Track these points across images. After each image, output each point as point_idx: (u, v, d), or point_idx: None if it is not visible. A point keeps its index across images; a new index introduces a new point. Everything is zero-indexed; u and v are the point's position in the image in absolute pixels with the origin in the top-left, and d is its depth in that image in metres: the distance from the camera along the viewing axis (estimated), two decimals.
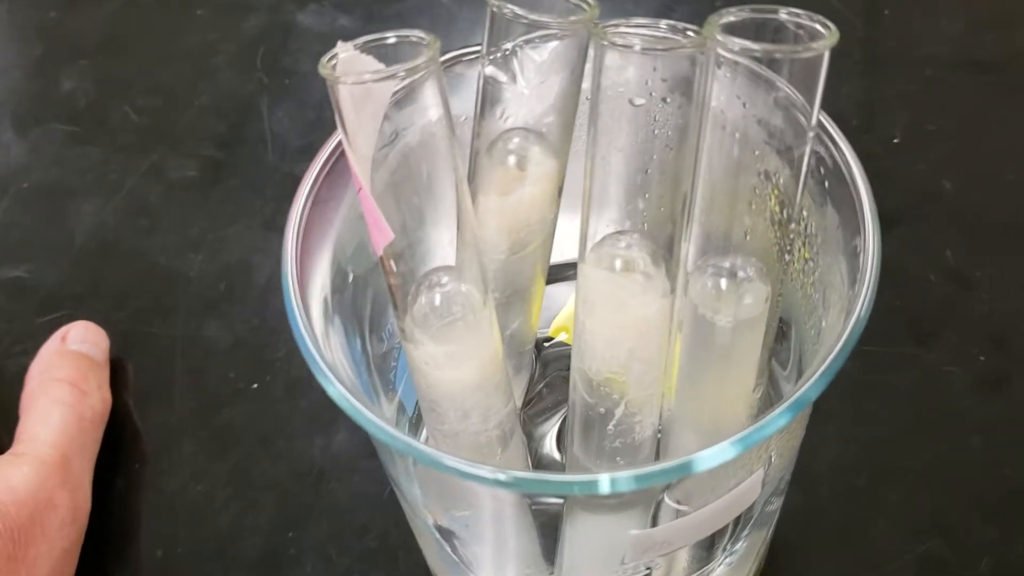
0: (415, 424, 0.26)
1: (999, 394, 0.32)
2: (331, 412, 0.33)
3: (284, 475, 0.32)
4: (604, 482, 0.16)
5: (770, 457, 0.19)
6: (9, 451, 0.30)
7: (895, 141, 0.39)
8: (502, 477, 0.16)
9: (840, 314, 0.18)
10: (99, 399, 0.32)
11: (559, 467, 0.27)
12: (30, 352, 0.34)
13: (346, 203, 0.21)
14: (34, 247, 0.39)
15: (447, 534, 0.25)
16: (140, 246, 0.39)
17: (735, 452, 0.16)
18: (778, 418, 0.16)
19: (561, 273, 0.28)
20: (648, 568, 0.21)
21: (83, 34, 0.47)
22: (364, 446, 0.33)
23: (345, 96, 0.18)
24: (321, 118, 0.42)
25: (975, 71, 0.42)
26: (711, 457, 0.16)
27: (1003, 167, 0.38)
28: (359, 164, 0.19)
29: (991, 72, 0.42)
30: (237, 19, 0.47)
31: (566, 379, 0.28)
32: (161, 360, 0.35)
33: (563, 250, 0.26)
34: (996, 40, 0.43)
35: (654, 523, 0.22)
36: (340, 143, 0.20)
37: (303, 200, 0.20)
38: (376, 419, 0.17)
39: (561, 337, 0.30)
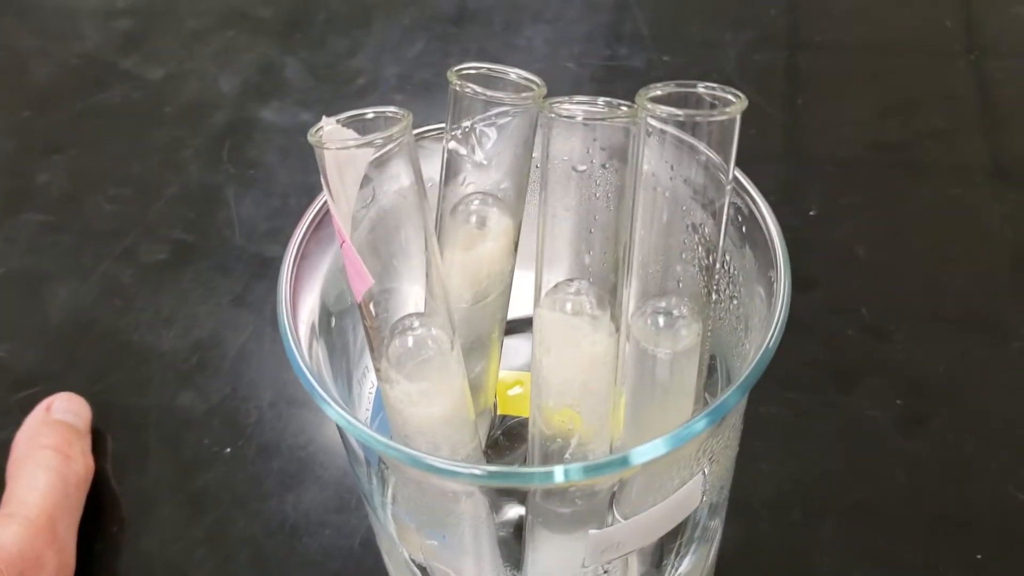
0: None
1: (918, 433, 0.35)
2: (301, 472, 0.36)
3: (258, 532, 0.34)
4: (559, 473, 0.18)
5: (708, 461, 0.22)
6: None
7: (811, 214, 0.43)
8: (477, 472, 0.18)
9: (761, 333, 0.21)
10: (83, 465, 0.34)
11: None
12: (8, 426, 0.35)
13: (328, 257, 0.23)
14: (11, 328, 0.41)
15: (421, 569, 0.27)
16: (114, 325, 0.41)
17: (667, 448, 0.19)
18: (701, 419, 0.19)
19: (517, 328, 0.31)
20: (605, 571, 0.23)
21: (55, 131, 0.50)
22: (333, 502, 0.35)
23: (331, 160, 0.21)
24: (286, 204, 0.45)
25: (881, 151, 0.46)
26: (647, 451, 0.19)
27: (910, 234, 0.43)
28: (342, 220, 0.22)
29: (895, 151, 0.46)
30: (204, 115, 0.50)
31: (523, 425, 0.31)
32: (137, 429, 0.37)
33: (517, 308, 0.30)
34: (899, 124, 0.48)
35: None
36: (323, 205, 0.23)
37: (294, 248, 0.22)
38: (364, 428, 0.19)
39: (515, 391, 0.33)
